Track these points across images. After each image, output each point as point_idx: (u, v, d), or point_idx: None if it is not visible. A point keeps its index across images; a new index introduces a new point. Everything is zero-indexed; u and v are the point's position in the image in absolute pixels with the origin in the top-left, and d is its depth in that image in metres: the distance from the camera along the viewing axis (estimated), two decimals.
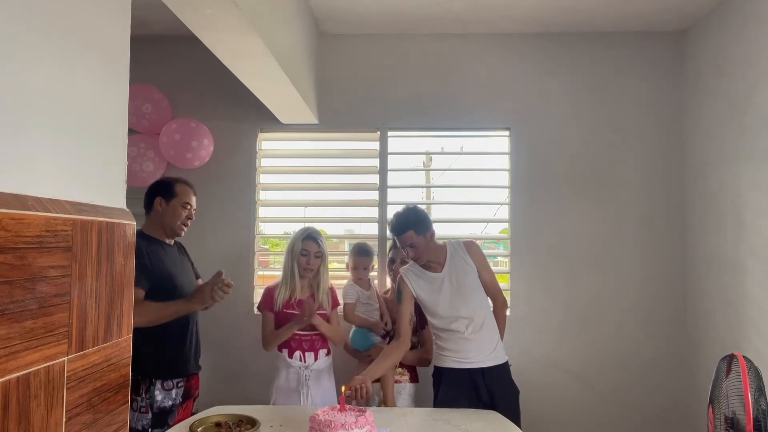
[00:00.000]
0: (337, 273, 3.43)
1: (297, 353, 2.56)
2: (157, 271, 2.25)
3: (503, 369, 2.50)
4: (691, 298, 3.15)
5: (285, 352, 2.56)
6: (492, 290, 2.58)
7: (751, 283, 2.60)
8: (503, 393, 2.45)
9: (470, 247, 2.57)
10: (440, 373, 2.49)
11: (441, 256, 2.54)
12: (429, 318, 2.53)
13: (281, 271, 2.70)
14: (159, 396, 2.23)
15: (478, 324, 2.46)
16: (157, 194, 2.38)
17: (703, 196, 3.05)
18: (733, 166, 2.75)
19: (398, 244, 2.56)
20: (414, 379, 2.70)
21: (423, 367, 2.71)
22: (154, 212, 2.38)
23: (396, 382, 2.64)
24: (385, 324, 2.76)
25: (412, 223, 2.43)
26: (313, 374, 2.55)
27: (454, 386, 2.45)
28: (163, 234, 2.40)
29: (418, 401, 2.74)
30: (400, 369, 2.67)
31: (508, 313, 2.83)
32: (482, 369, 2.44)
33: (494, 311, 2.56)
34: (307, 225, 2.80)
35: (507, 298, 2.87)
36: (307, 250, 2.62)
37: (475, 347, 2.45)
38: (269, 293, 2.65)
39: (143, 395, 2.21)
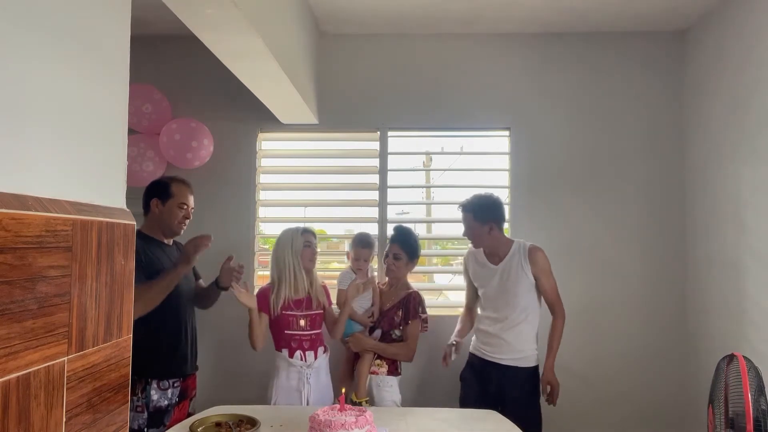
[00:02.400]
0: (337, 273, 3.42)
1: (298, 353, 2.55)
2: (153, 269, 2.25)
3: (523, 372, 2.57)
4: (691, 298, 3.15)
5: (285, 352, 2.55)
6: (549, 300, 2.64)
7: (751, 283, 2.60)
8: (514, 394, 2.53)
9: (533, 253, 2.61)
10: (469, 356, 2.75)
11: (503, 251, 2.65)
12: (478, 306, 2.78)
13: (278, 272, 2.60)
14: (155, 396, 2.23)
15: (507, 325, 2.57)
16: (154, 196, 2.38)
17: (703, 196, 3.04)
18: (733, 166, 2.75)
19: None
20: (393, 372, 2.67)
21: (405, 362, 2.70)
22: (151, 214, 2.38)
23: (372, 373, 2.63)
24: (371, 316, 2.75)
25: (473, 208, 2.61)
26: (313, 372, 2.56)
27: (472, 371, 2.66)
28: (161, 234, 2.40)
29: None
30: (378, 361, 2.65)
31: None
32: (497, 365, 2.57)
33: (552, 322, 2.64)
34: (290, 226, 2.73)
35: None
36: (309, 241, 2.63)
37: (495, 343, 2.58)
38: (264, 295, 2.59)
39: (139, 395, 2.21)
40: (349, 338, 2.69)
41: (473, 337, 2.77)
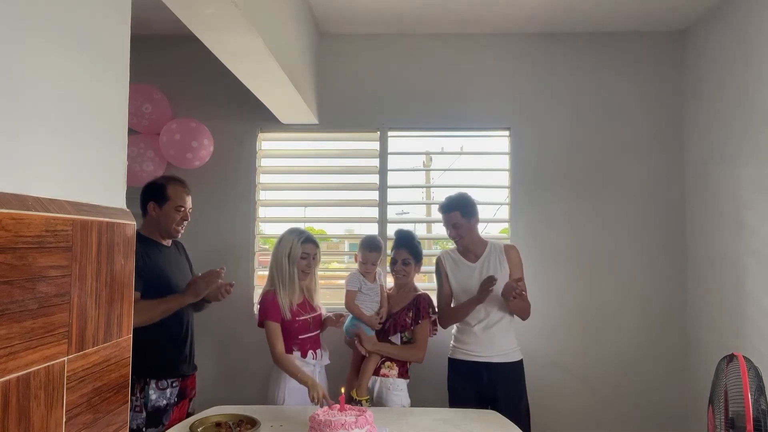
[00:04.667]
0: (337, 273, 3.42)
1: (309, 352, 2.55)
2: (151, 272, 2.24)
3: (512, 367, 2.61)
4: (691, 299, 3.15)
5: (297, 353, 2.52)
6: None
7: (751, 283, 2.60)
8: (506, 390, 2.57)
9: (509, 249, 2.75)
10: (450, 363, 2.73)
11: (480, 248, 2.74)
12: (454, 304, 2.74)
13: (276, 274, 2.56)
14: (153, 395, 2.22)
15: (491, 322, 2.62)
16: (150, 198, 2.36)
17: (703, 196, 3.05)
18: (733, 166, 2.75)
19: (443, 222, 2.75)
20: (404, 374, 2.67)
21: (416, 363, 2.68)
22: (149, 216, 2.38)
23: (383, 375, 2.62)
24: (380, 317, 2.72)
25: (459, 205, 2.68)
26: (321, 369, 2.58)
27: (461, 377, 2.65)
28: (159, 236, 2.39)
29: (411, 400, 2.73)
30: (388, 363, 2.64)
31: None
32: (488, 364, 2.59)
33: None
34: (295, 227, 2.71)
35: None
36: (307, 252, 2.58)
37: (485, 341, 2.60)
38: (274, 302, 2.50)
39: (138, 394, 2.20)
40: (363, 339, 2.62)
41: (452, 343, 2.75)
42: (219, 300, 2.39)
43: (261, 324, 2.52)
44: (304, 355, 2.53)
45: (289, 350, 2.53)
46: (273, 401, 2.47)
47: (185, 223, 2.41)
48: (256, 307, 2.68)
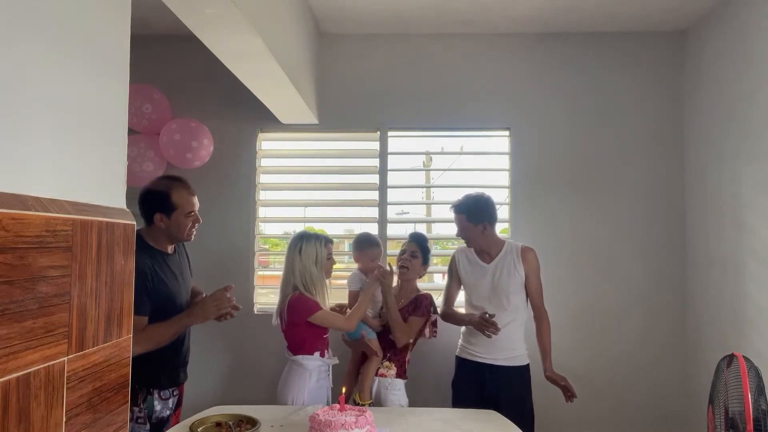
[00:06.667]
0: (337, 273, 3.42)
1: (326, 351, 2.54)
2: (160, 294, 2.14)
3: (516, 371, 2.59)
4: (691, 298, 3.15)
5: (317, 354, 2.50)
6: (536, 301, 2.67)
7: (751, 283, 2.60)
8: (508, 394, 2.54)
9: (525, 252, 2.67)
10: (456, 362, 2.74)
11: (495, 250, 2.69)
12: (467, 305, 2.75)
13: (303, 282, 2.49)
14: (158, 406, 2.16)
15: (499, 325, 2.54)
16: (156, 209, 2.20)
17: (703, 197, 3.05)
18: (733, 166, 2.75)
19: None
20: (402, 374, 2.66)
21: (398, 338, 2.61)
22: (156, 228, 2.22)
23: (381, 376, 2.61)
24: (382, 321, 2.70)
25: (468, 209, 2.62)
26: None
27: (465, 377, 2.66)
28: (166, 243, 2.27)
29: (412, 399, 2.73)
30: (387, 363, 2.63)
31: None
32: (492, 366, 2.58)
33: (540, 323, 2.66)
34: (303, 231, 2.67)
35: None
36: (330, 253, 2.59)
37: (488, 344, 2.56)
38: (310, 298, 2.47)
39: (141, 405, 2.13)
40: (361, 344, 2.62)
41: (460, 340, 2.75)
42: (220, 321, 2.26)
43: (306, 322, 2.45)
44: (322, 355, 2.52)
45: (315, 349, 2.50)
46: (287, 401, 2.42)
47: (197, 225, 2.30)
48: (273, 315, 2.61)
